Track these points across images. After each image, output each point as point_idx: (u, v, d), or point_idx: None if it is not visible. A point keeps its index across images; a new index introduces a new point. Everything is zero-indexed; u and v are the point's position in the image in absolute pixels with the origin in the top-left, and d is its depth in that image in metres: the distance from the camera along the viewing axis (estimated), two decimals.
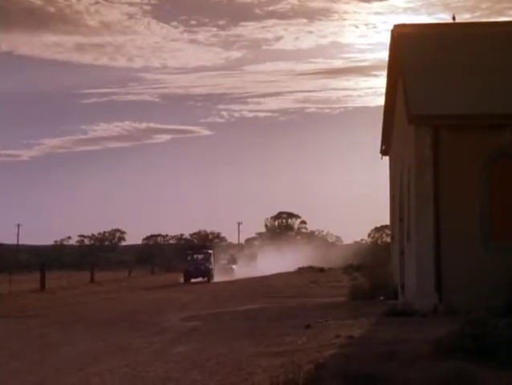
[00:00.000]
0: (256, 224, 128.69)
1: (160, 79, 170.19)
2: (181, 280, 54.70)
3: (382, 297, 23.64)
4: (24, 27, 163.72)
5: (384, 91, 25.64)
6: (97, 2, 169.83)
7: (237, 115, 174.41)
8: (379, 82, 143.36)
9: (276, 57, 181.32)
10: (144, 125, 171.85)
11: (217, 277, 56.25)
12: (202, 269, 55.74)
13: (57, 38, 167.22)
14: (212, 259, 58.84)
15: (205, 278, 55.13)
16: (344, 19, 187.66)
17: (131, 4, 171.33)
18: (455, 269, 18.04)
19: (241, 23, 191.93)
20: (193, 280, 54.61)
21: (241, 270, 64.92)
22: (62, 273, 60.67)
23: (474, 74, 19.89)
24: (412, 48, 21.35)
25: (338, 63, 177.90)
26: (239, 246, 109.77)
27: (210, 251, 60.78)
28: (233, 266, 67.76)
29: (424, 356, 10.76)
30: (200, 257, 58.69)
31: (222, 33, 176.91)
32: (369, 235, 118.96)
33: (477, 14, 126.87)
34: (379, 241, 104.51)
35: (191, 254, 60.32)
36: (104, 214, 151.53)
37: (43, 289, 45.02)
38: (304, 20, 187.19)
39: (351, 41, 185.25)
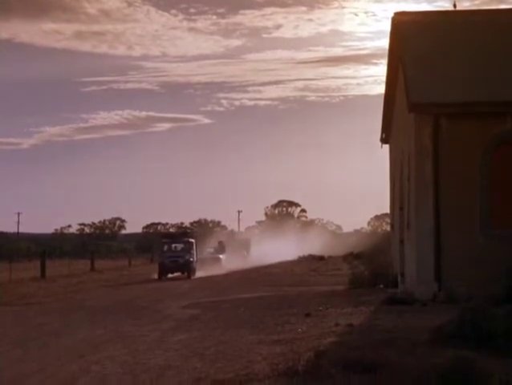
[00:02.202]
0: (256, 213, 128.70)
1: (160, 68, 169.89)
2: (155, 275, 45.38)
3: (382, 286, 23.67)
4: (24, 15, 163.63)
5: (383, 79, 25.62)
6: None
7: (237, 103, 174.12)
8: (379, 70, 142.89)
9: (276, 45, 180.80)
10: (143, 113, 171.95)
11: (201, 271, 47.04)
12: (181, 263, 45.55)
13: (56, 26, 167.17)
14: (194, 250, 47.86)
15: (184, 273, 45.55)
16: (344, 7, 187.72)
17: None
18: (455, 257, 18.04)
19: (240, 11, 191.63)
20: (169, 275, 45.73)
21: (231, 261, 55.96)
22: (62, 261, 60.73)
23: (475, 62, 19.83)
24: (412, 36, 21.28)
25: (338, 51, 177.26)
26: (230, 232, 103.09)
27: (192, 240, 49.20)
28: (221, 256, 57.49)
29: (424, 344, 10.78)
30: (178, 246, 48.03)
31: (222, 21, 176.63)
32: (369, 223, 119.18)
33: (477, 1, 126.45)
34: (379, 230, 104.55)
35: (168, 243, 49.03)
36: (105, 202, 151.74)
37: (44, 277, 45.11)
38: (304, 8, 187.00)
39: (350, 29, 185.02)
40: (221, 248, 61.37)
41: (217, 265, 52.54)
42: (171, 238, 51.00)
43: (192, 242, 48.67)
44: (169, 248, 48.24)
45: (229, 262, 55.21)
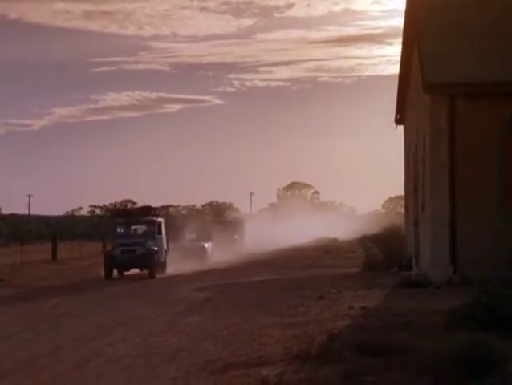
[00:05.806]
0: (269, 195, 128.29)
1: (171, 48, 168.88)
2: (102, 273, 30.70)
3: (396, 269, 23.52)
4: None
5: (398, 59, 25.34)
6: None
7: (248, 84, 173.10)
8: (393, 50, 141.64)
9: (288, 25, 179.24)
10: (154, 94, 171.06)
11: (176, 266, 32.75)
12: (139, 254, 30.46)
13: (66, 6, 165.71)
14: (162, 234, 33.11)
15: (146, 269, 30.58)
16: None
17: None
18: (470, 239, 17.85)
19: None
20: (124, 273, 31.16)
21: (220, 250, 42.81)
22: (73, 243, 60.93)
23: (492, 41, 19.51)
24: (428, 14, 20.96)
25: (350, 31, 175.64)
26: (216, 207, 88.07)
27: (159, 219, 33.55)
28: (206, 245, 42.05)
29: (438, 327, 10.69)
30: (139, 229, 33.38)
31: (233, 0, 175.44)
32: (383, 206, 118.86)
33: None
34: (393, 212, 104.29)
35: (122, 225, 33.18)
36: (115, 184, 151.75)
37: (55, 260, 45.25)
38: None
39: (364, 8, 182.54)
40: (205, 233, 45.36)
41: (200, 256, 38.99)
42: (127, 217, 34.24)
43: (159, 223, 33.12)
44: (127, 231, 32.91)
45: (217, 252, 42.25)
